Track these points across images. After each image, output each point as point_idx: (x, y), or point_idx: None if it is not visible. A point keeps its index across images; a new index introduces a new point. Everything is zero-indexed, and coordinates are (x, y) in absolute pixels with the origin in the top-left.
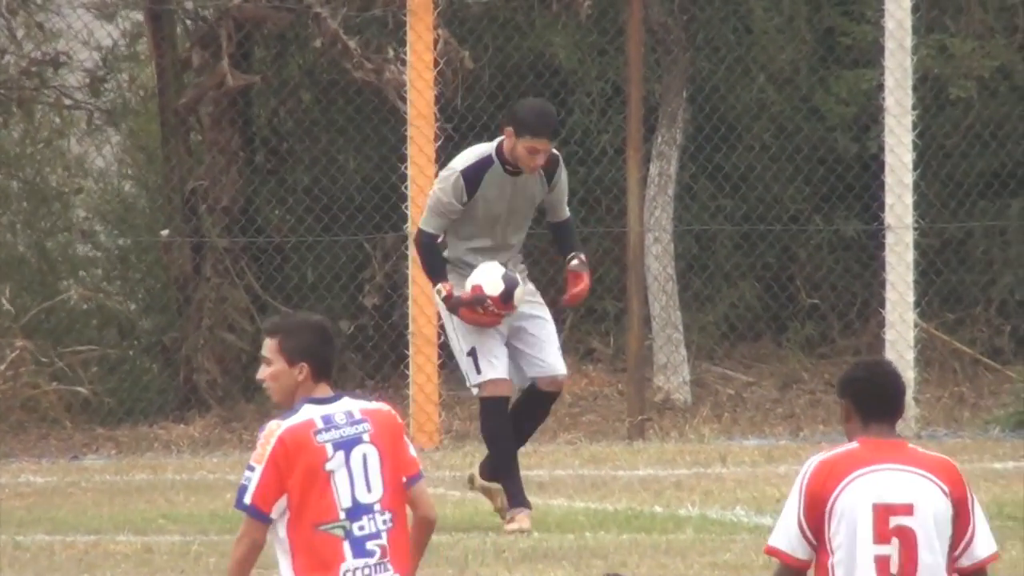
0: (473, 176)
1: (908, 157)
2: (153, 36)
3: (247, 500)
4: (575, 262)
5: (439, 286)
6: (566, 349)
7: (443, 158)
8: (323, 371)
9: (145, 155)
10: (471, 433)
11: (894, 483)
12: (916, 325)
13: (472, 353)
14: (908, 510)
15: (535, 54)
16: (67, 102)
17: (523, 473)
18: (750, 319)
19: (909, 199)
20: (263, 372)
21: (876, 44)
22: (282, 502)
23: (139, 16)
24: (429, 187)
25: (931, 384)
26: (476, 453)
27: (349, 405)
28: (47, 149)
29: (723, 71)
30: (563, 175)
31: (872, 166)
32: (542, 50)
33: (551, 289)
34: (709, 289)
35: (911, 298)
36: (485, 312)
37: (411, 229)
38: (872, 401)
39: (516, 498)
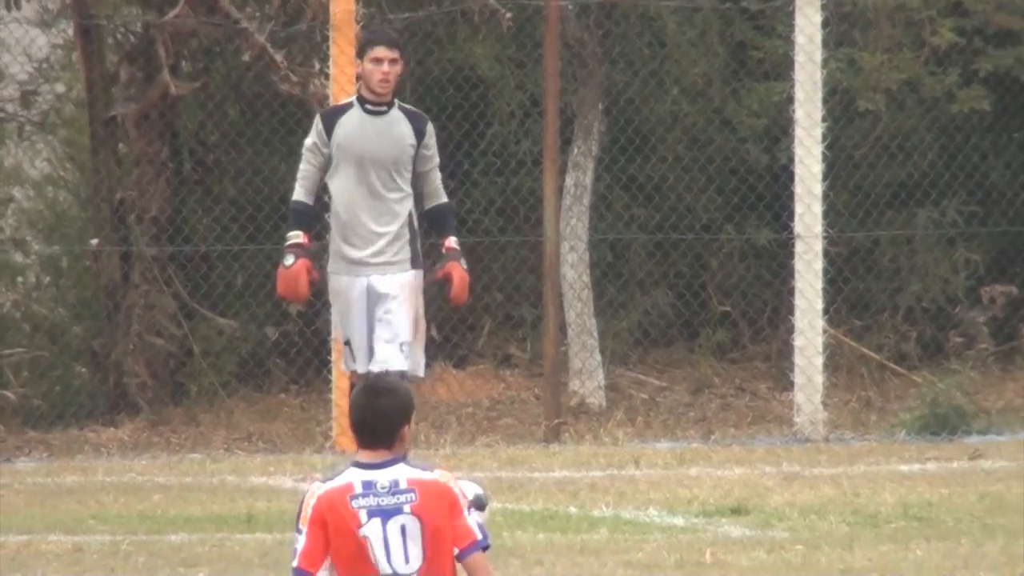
0: (330, 115)
1: (817, 168)
2: (83, 49)
3: (294, 563)
4: (450, 249)
5: (292, 233)
6: (484, 355)
7: None
8: (360, 437)
9: (76, 166)
10: None
11: None
12: (824, 331)
13: (348, 343)
14: None
15: (455, 66)
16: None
17: None
18: (663, 325)
19: (818, 208)
20: None
21: (787, 58)
22: (327, 562)
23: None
24: None
25: (839, 389)
26: None
27: (398, 473)
28: None
29: (637, 84)
30: (433, 140)
31: (782, 176)
32: (462, 62)
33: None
34: (623, 296)
35: (820, 305)
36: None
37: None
38: None
39: None
